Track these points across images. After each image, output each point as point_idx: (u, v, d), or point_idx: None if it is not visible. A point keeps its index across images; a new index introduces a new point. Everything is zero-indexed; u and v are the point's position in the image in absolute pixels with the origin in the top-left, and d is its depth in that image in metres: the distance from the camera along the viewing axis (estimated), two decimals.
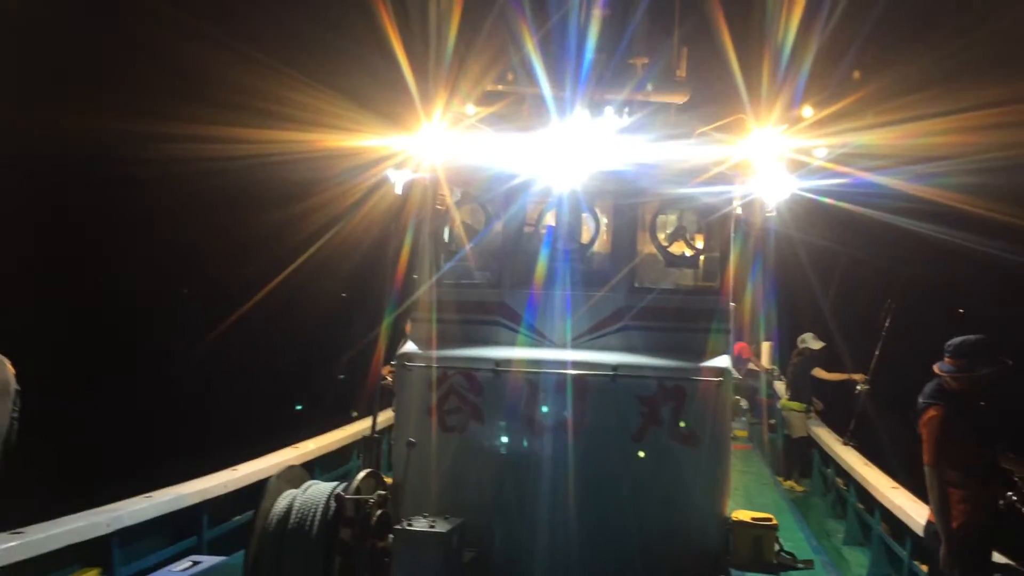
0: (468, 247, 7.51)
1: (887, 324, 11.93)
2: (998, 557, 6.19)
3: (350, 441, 10.77)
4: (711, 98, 8.55)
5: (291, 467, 6.56)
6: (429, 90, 7.68)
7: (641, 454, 6.58)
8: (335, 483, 6.13)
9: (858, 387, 12.44)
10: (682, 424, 6.58)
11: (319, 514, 5.75)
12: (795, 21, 8.76)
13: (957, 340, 5.96)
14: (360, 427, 10.98)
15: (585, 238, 7.51)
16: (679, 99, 8.38)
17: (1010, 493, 5.58)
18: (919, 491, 6.76)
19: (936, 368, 6.00)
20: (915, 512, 7.85)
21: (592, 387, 6.65)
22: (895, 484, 9.20)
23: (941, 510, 5.71)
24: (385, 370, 10.14)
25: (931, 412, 5.83)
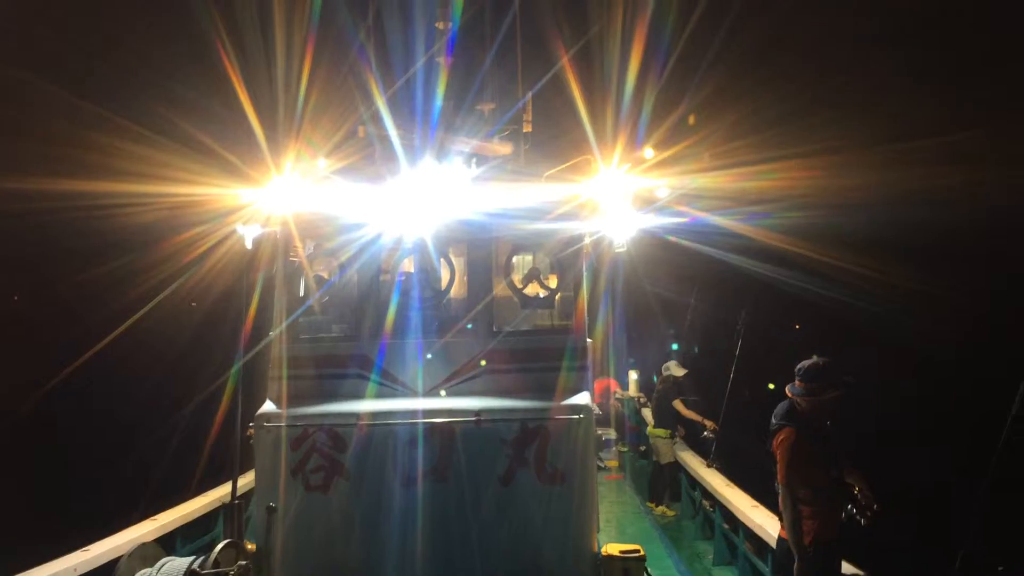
0: (317, 296, 7.39)
1: (738, 351, 12.48)
2: (847, 567, 6.54)
3: (214, 507, 10.27)
4: (558, 140, 8.82)
5: (143, 545, 6.22)
6: (278, 142, 7.58)
7: (507, 498, 6.60)
8: (192, 558, 5.85)
9: (705, 432, 13.02)
10: (548, 464, 6.66)
11: None
12: (633, 68, 9.19)
13: (806, 363, 6.27)
14: (223, 491, 10.50)
15: (441, 284, 7.54)
16: (505, 151, 8.53)
17: (850, 506, 5.91)
18: (775, 508, 7.06)
19: (787, 390, 6.30)
20: (773, 529, 8.19)
21: (457, 434, 6.65)
22: (755, 503, 9.58)
23: (794, 527, 5.98)
24: (249, 431, 9.76)
25: (783, 434, 6.09)
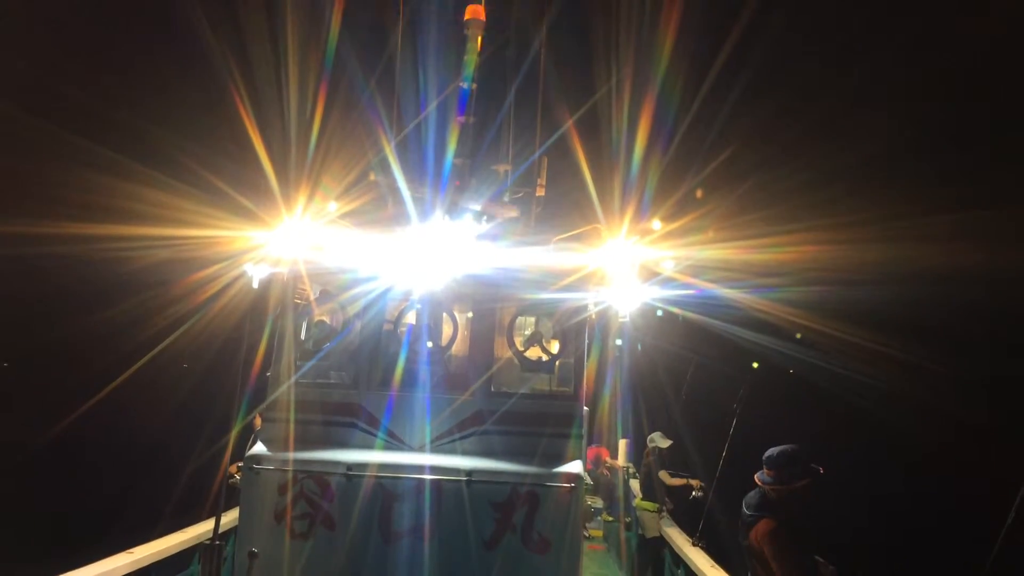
0: (326, 347, 7.40)
1: (734, 425, 12.42)
2: None
3: (191, 544, 10.09)
4: (569, 207, 8.93)
5: None
6: (290, 186, 7.67)
7: (492, 563, 6.51)
8: None
9: (694, 493, 12.89)
10: (535, 530, 6.59)
11: None
12: (641, 140, 9.35)
13: (774, 451, 6.14)
14: (202, 529, 10.34)
15: (443, 340, 7.55)
16: (512, 213, 8.63)
17: None
18: None
19: (756, 478, 6.21)
20: None
21: (446, 492, 6.59)
22: None
23: None
24: (232, 468, 9.67)
25: (769, 525, 5.91)
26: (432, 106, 8.11)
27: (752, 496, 6.11)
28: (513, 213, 8.71)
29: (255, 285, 7.37)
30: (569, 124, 9.08)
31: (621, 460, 17.99)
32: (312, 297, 7.63)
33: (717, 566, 10.68)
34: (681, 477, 13.27)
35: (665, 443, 13.59)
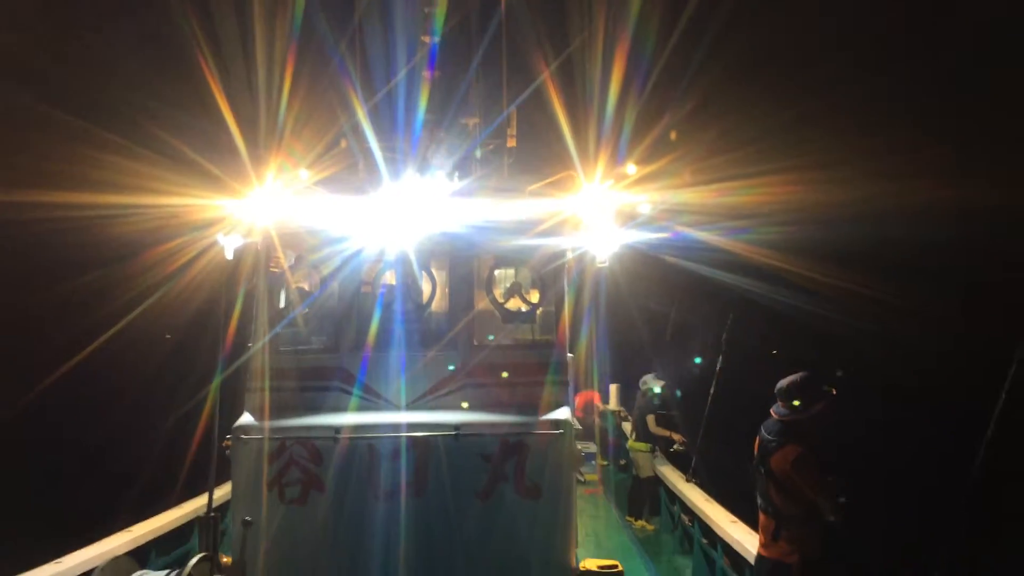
0: (300, 309, 7.36)
1: (719, 366, 12.52)
2: None
3: (189, 519, 10.17)
4: (541, 155, 8.87)
5: (116, 558, 6.13)
6: (260, 154, 7.56)
7: (486, 513, 6.59)
8: (165, 571, 5.78)
9: (674, 447, 13.07)
10: (527, 478, 6.66)
11: None
12: (615, 85, 9.25)
13: (785, 383, 6.24)
14: (199, 503, 10.39)
15: (422, 298, 7.53)
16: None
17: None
18: (754, 524, 7.05)
19: (773, 412, 6.29)
20: (752, 545, 8.20)
21: (436, 447, 6.63)
22: (734, 519, 9.58)
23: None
24: (226, 442, 9.66)
25: (794, 451, 5.97)
26: (401, 62, 7.99)
27: (772, 423, 6.21)
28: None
29: (228, 255, 7.30)
30: (544, 76, 8.97)
31: (613, 404, 18.20)
32: (287, 264, 7.57)
33: (712, 500, 10.86)
34: (667, 428, 13.43)
35: (658, 385, 13.72)
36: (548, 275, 7.56)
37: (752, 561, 7.90)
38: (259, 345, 7.18)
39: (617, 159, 8.20)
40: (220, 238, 7.32)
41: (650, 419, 13.43)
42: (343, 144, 8.10)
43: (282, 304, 7.60)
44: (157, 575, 5.70)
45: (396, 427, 6.64)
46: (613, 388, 18.95)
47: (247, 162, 7.44)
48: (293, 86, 8.45)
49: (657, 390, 13.63)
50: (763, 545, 6.31)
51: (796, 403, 6.13)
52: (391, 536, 6.53)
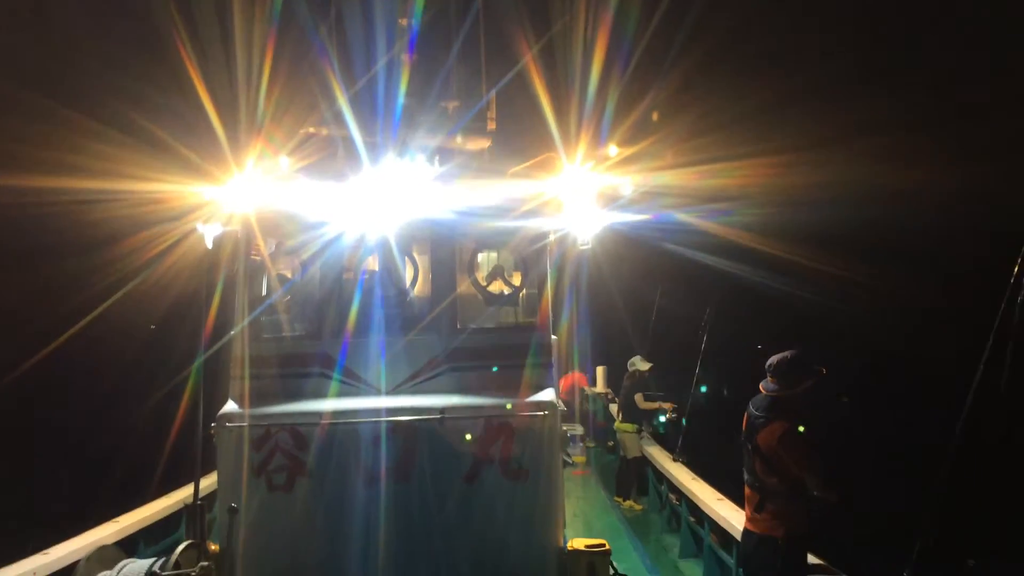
0: (279, 294, 7.35)
1: (704, 342, 12.62)
2: (811, 559, 6.64)
3: (176, 509, 10.17)
4: (522, 137, 8.83)
5: (103, 547, 6.15)
6: (239, 140, 7.51)
7: (472, 496, 6.62)
8: (152, 560, 5.78)
9: (667, 415, 13.16)
10: (512, 461, 6.68)
11: None
12: (597, 66, 9.22)
13: (775, 359, 6.31)
14: (186, 492, 10.39)
15: (404, 283, 7.52)
16: (485, 143, 8.56)
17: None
18: (740, 501, 7.12)
19: (762, 388, 6.34)
20: (738, 522, 8.28)
21: (420, 432, 6.64)
22: (720, 496, 9.69)
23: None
24: (212, 431, 9.65)
25: (781, 427, 6.03)
26: (381, 45, 7.92)
27: (760, 399, 6.27)
28: (486, 143, 8.59)
29: (208, 244, 7.27)
30: (526, 58, 8.93)
31: (600, 386, 18.29)
32: (267, 252, 7.54)
33: (698, 478, 10.96)
34: (655, 401, 13.52)
35: (645, 366, 13.81)
36: (530, 257, 7.56)
37: (739, 537, 7.98)
38: (240, 333, 7.16)
39: (599, 141, 8.20)
40: (200, 226, 7.29)
41: (638, 397, 13.52)
42: (324, 131, 8.04)
43: (263, 291, 7.57)
44: (143, 563, 5.70)
45: (381, 412, 6.64)
46: (600, 370, 19.05)
47: (226, 148, 7.38)
48: (273, 71, 8.37)
49: (643, 369, 13.72)
50: (749, 520, 6.37)
51: (784, 378, 6.16)
52: (376, 521, 6.54)
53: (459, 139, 8.27)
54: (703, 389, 12.41)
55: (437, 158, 7.81)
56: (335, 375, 7.06)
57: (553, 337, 7.70)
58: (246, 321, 7.14)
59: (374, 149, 7.48)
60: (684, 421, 12.74)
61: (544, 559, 6.72)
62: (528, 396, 6.91)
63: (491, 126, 9.03)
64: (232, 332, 7.21)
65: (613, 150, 8.35)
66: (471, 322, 7.51)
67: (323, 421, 6.58)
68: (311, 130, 8.06)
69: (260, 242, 7.40)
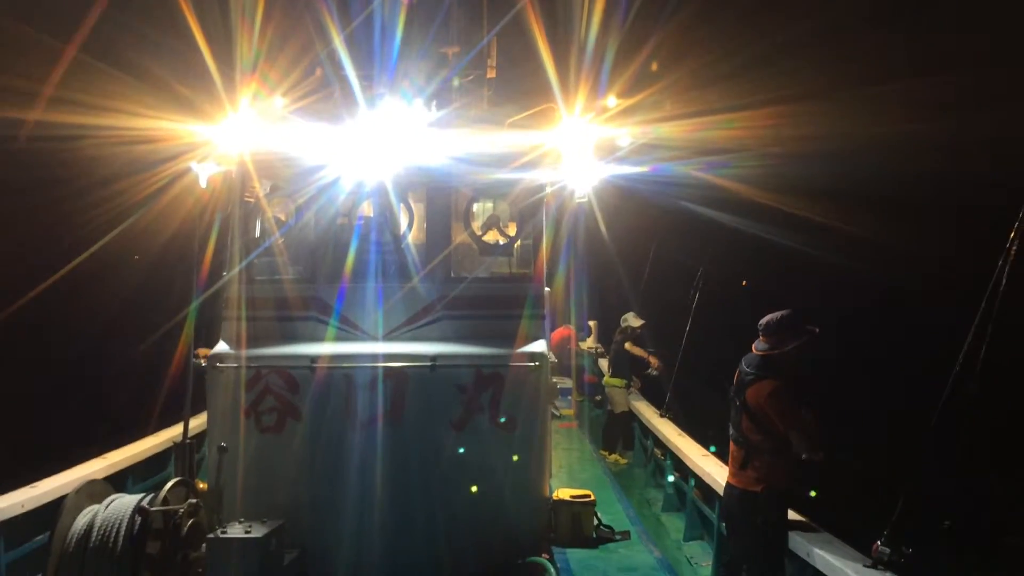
0: (275, 238, 7.30)
1: (695, 299, 12.61)
2: (792, 515, 6.73)
3: (164, 447, 10.22)
4: (522, 88, 8.72)
5: (92, 481, 6.17)
6: (235, 80, 7.39)
7: (461, 443, 6.66)
8: (140, 495, 5.81)
9: (650, 370, 13.22)
10: (502, 410, 6.72)
11: (123, 529, 5.44)
12: (597, 15, 9.07)
13: (767, 319, 6.31)
14: (176, 431, 10.43)
15: (399, 229, 7.48)
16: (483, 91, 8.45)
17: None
18: (725, 457, 7.18)
19: (754, 347, 6.35)
20: (721, 477, 8.36)
21: (411, 379, 6.66)
22: (705, 452, 9.76)
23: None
24: (201, 352, 9.68)
25: (770, 385, 6.06)
26: None
27: (752, 357, 6.28)
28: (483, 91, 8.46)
29: (203, 183, 7.20)
30: (525, 3, 8.78)
31: (591, 341, 18.34)
32: (262, 193, 7.48)
33: (684, 434, 11.05)
34: (643, 350, 13.55)
35: (637, 322, 13.82)
36: (526, 209, 7.51)
37: (721, 492, 8.08)
38: (234, 274, 7.13)
39: (598, 91, 8.10)
40: (194, 165, 7.21)
41: (628, 343, 13.56)
42: (318, 72, 7.92)
43: (257, 233, 7.52)
44: (132, 498, 5.73)
45: (372, 357, 6.65)
46: (592, 324, 19.09)
47: (220, 87, 7.27)
48: (267, 9, 8.22)
49: (635, 326, 13.74)
50: (732, 474, 6.43)
51: (774, 337, 6.17)
52: (366, 464, 6.60)
53: (456, 82, 8.17)
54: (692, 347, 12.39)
55: (435, 103, 7.71)
56: (328, 320, 7.05)
57: (546, 289, 7.69)
58: (242, 266, 7.11)
59: (371, 92, 7.38)
60: (672, 378, 12.81)
61: (531, 508, 6.80)
62: (520, 347, 6.93)
63: (491, 74, 8.92)
64: (225, 273, 7.19)
65: (612, 101, 8.25)
66: (465, 271, 7.50)
67: (314, 364, 6.59)
68: (312, 72, 7.94)
69: (256, 183, 7.33)
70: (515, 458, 6.75)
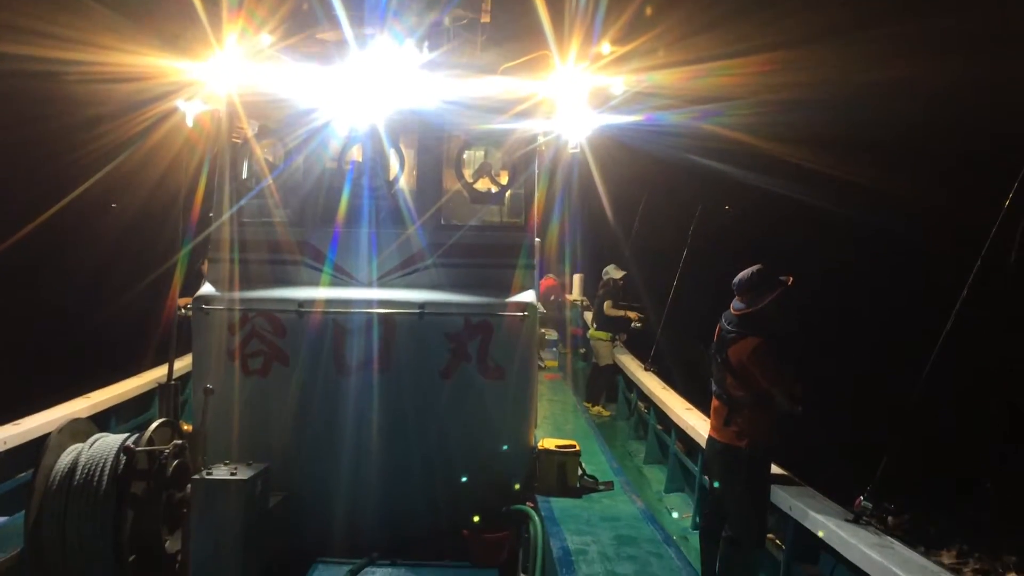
0: (267, 181, 7.18)
1: (684, 256, 12.60)
2: (775, 469, 6.79)
3: (148, 388, 10.18)
4: (515, 34, 8.53)
5: (75, 420, 6.12)
6: (220, 15, 7.19)
7: (448, 391, 6.65)
8: (126, 435, 5.78)
9: (632, 324, 13.25)
10: (489, 359, 6.70)
11: (107, 468, 5.41)
12: None
13: (739, 278, 6.25)
14: (159, 372, 10.39)
15: (390, 174, 7.37)
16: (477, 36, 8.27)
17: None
18: (708, 411, 7.21)
19: (731, 307, 6.33)
20: (703, 430, 8.42)
21: (399, 325, 6.63)
22: (689, 406, 9.84)
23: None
24: (182, 301, 9.63)
25: (751, 342, 6.03)
26: None
27: (730, 316, 6.25)
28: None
29: (189, 123, 7.05)
30: None
31: (576, 294, 18.35)
32: (250, 134, 7.33)
33: (668, 388, 11.13)
34: (621, 308, 13.57)
35: (618, 274, 13.81)
36: (519, 157, 7.42)
37: (703, 445, 8.14)
38: (223, 216, 7.03)
39: (592, 38, 7.93)
40: (180, 104, 7.05)
41: (606, 305, 13.58)
42: (305, 7, 7.71)
43: (245, 175, 7.40)
44: (116, 438, 5.70)
45: (361, 303, 6.61)
46: (576, 278, 19.07)
47: (206, 23, 7.07)
48: None
49: (617, 277, 13.73)
50: (714, 429, 6.45)
51: (749, 295, 6.14)
52: (353, 411, 6.59)
53: (447, 21, 7.99)
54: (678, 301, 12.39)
55: (427, 44, 7.55)
56: (316, 264, 6.99)
57: (536, 240, 7.63)
58: (231, 209, 7.00)
59: (360, 30, 7.21)
60: (658, 331, 12.85)
61: (516, 457, 6.83)
62: (509, 296, 6.89)
63: (485, 19, 8.73)
64: (212, 215, 7.08)
65: (606, 48, 8.09)
66: (455, 218, 7.42)
67: (301, 308, 6.53)
68: (299, 7, 7.72)
69: (243, 123, 7.18)
70: (502, 407, 6.77)
